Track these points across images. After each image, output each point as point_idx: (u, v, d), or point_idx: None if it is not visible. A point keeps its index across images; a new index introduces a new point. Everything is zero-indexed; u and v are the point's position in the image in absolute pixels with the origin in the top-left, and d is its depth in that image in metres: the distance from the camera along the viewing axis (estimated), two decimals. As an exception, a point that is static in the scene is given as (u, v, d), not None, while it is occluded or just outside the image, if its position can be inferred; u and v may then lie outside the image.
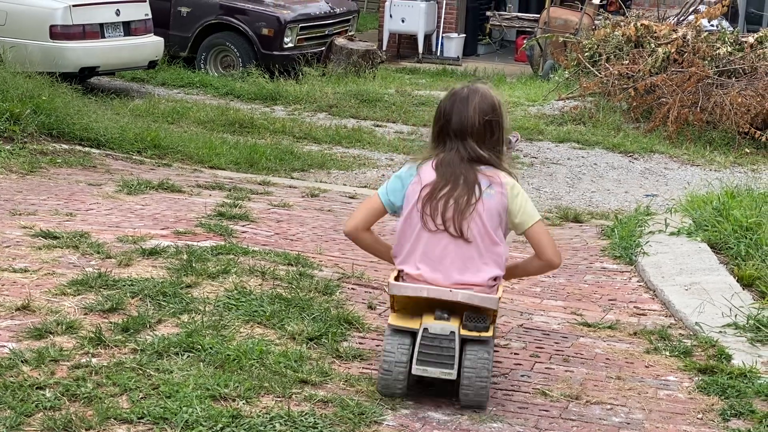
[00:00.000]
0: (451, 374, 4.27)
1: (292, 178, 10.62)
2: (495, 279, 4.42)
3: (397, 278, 4.47)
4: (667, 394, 4.70)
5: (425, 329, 4.28)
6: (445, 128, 4.45)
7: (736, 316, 5.63)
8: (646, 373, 4.94)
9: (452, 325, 4.28)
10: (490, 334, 4.33)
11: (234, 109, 14.14)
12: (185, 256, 6.00)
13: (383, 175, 11.36)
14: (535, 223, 4.45)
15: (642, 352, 5.22)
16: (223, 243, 6.46)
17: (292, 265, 6.10)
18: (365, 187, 10.58)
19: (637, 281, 6.64)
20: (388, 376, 4.33)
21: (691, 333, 5.54)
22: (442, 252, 4.37)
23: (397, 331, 4.34)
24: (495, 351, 4.75)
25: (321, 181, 10.50)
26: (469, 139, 4.40)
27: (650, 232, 7.51)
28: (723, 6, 15.98)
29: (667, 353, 5.20)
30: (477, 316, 4.33)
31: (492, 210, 4.37)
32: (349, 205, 8.78)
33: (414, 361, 4.29)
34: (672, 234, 7.35)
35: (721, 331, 5.46)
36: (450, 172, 4.38)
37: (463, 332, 4.30)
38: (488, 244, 4.38)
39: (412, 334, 4.32)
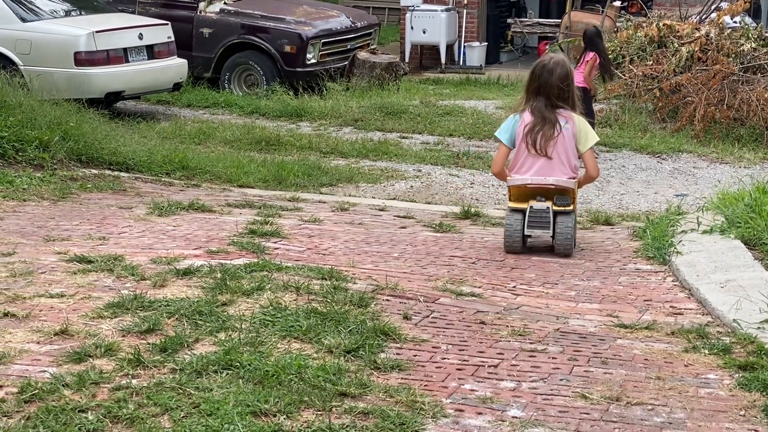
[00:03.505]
0: (548, 233, 6.99)
1: (321, 193, 10.64)
2: (572, 178, 7.04)
3: None
4: (708, 392, 4.68)
5: (531, 207, 6.96)
6: (536, 88, 7.06)
7: (773, 311, 5.60)
8: (686, 372, 4.91)
9: (547, 204, 6.94)
10: (571, 208, 7.02)
11: (260, 127, 14.19)
12: (219, 275, 6.02)
13: (411, 186, 11.37)
14: (587, 151, 7.15)
15: (680, 352, 5.20)
16: (256, 260, 6.48)
17: (325, 279, 6.11)
18: (394, 199, 10.59)
19: (672, 281, 6.61)
20: (510, 235, 7.00)
21: (729, 330, 5.52)
22: (540, 166, 7.04)
23: (514, 210, 7.06)
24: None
25: (350, 195, 10.52)
26: (551, 96, 7.00)
27: (682, 231, 7.48)
28: (745, 2, 15.95)
29: (706, 351, 5.18)
30: (562, 197, 7.00)
31: (567, 138, 7.03)
32: (379, 218, 8.79)
33: (525, 226, 6.93)
34: (705, 232, 7.31)
35: (759, 327, 5.42)
36: (540, 115, 7.00)
37: (555, 208, 6.98)
38: (565, 160, 7.04)
39: (522, 211, 6.98)
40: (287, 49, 16.68)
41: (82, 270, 6.13)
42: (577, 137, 7.04)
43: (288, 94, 16.07)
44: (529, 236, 7.07)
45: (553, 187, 6.98)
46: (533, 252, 7.33)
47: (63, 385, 4.35)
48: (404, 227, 8.36)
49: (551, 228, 6.93)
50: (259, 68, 16.81)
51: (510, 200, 7.14)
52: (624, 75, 14.90)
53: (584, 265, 7.06)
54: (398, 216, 8.96)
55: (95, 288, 5.80)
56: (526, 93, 7.14)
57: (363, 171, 12.02)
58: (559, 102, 7.00)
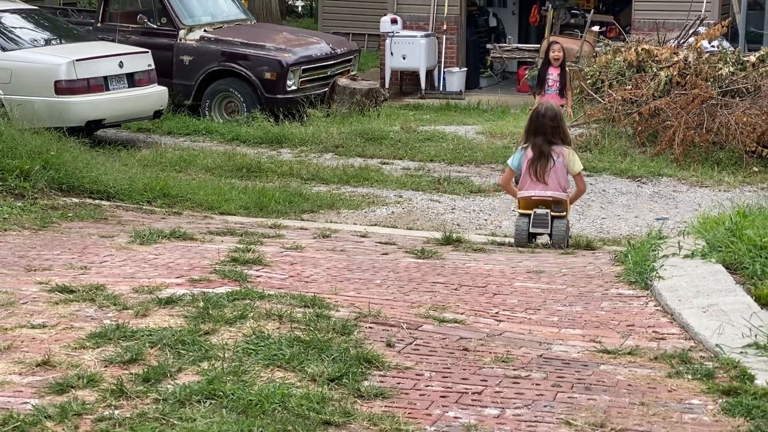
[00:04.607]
0: (547, 231, 8.86)
1: (303, 219, 10.64)
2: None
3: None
4: (692, 417, 4.68)
5: (534, 212, 8.89)
6: (534, 129, 9.03)
7: (756, 336, 5.61)
8: (670, 398, 4.92)
9: (547, 210, 8.87)
10: (564, 214, 8.94)
11: (241, 154, 14.19)
12: (201, 304, 6.00)
13: (393, 212, 11.38)
14: (577, 174, 9.11)
15: (664, 377, 5.21)
16: (238, 288, 6.47)
17: (308, 306, 6.10)
18: (375, 225, 10.59)
19: (654, 306, 6.62)
20: (518, 233, 8.93)
21: (712, 355, 5.52)
22: (540, 189, 8.95)
23: (522, 215, 9.00)
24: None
25: (331, 222, 10.52)
26: (547, 133, 8.95)
27: (664, 255, 7.49)
28: (723, 26, 16.06)
29: (690, 377, 5.18)
30: (558, 206, 8.91)
31: (560, 169, 8.95)
32: (361, 244, 8.79)
33: (530, 226, 8.84)
34: (686, 256, 7.33)
35: (742, 352, 5.43)
36: (539, 150, 8.93)
37: (552, 213, 8.88)
38: (558, 185, 8.97)
39: (528, 216, 8.91)
40: (267, 75, 16.70)
41: (63, 300, 6.10)
42: (567, 166, 8.96)
43: (268, 120, 16.08)
44: (533, 235, 8.92)
45: (551, 198, 8.92)
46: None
47: (45, 417, 4.33)
48: (386, 253, 8.36)
49: (549, 228, 8.84)
50: (239, 95, 16.83)
51: (519, 209, 9.16)
52: (603, 99, 14.95)
53: (566, 291, 7.06)
54: (380, 242, 8.95)
55: (77, 318, 5.77)
56: (527, 134, 9.15)
57: (344, 197, 12.02)
58: (553, 138, 8.93)
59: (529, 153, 9.02)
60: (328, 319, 5.84)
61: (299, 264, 7.61)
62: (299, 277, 7.14)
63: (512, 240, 9.19)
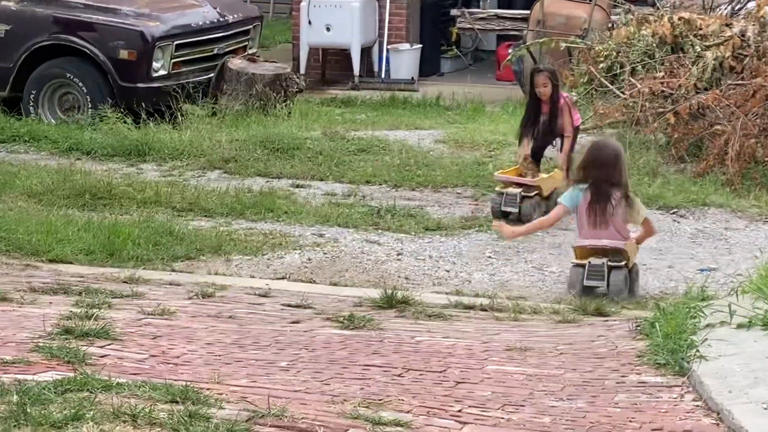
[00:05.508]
0: (603, 284, 10.50)
1: (174, 270, 10.63)
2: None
3: None
4: None
5: (590, 263, 10.57)
6: (591, 170, 10.73)
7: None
8: None
9: (603, 260, 10.58)
10: (623, 264, 10.59)
11: (82, 171, 14.14)
12: (16, 398, 5.96)
13: (309, 259, 11.39)
14: (644, 219, 10.98)
15: (705, 506, 5.25)
16: (72, 375, 6.44)
17: (177, 402, 6.09)
18: (283, 278, 10.59)
19: (693, 399, 6.68)
20: (572, 286, 10.60)
21: (777, 473, 5.58)
22: (599, 234, 10.74)
23: (577, 265, 10.69)
24: None
25: (216, 274, 10.52)
26: (608, 178, 10.58)
27: (708, 325, 7.57)
28: (797, -14, 16.27)
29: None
30: (615, 256, 10.61)
31: (618, 217, 10.65)
32: (260, 307, 8.80)
33: (585, 278, 10.50)
34: (740, 326, 7.41)
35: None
36: (597, 194, 10.62)
37: (609, 263, 10.55)
38: (618, 231, 10.73)
39: (583, 266, 10.60)
40: (123, 54, 16.67)
41: None
42: (630, 213, 10.69)
43: (125, 122, 16.04)
44: (589, 287, 10.51)
45: (607, 247, 10.62)
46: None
47: None
48: (297, 322, 8.39)
49: (606, 280, 10.50)
50: (81, 84, 16.77)
51: (575, 258, 10.80)
52: (623, 92, 15.07)
53: (564, 377, 7.11)
54: (288, 305, 8.98)
55: None
56: (584, 170, 10.81)
57: (237, 237, 12.02)
58: (612, 180, 10.60)
59: (587, 195, 10.77)
60: (208, 420, 5.84)
61: (166, 337, 7.61)
62: (165, 358, 7.14)
63: (485, 301, 9.38)
